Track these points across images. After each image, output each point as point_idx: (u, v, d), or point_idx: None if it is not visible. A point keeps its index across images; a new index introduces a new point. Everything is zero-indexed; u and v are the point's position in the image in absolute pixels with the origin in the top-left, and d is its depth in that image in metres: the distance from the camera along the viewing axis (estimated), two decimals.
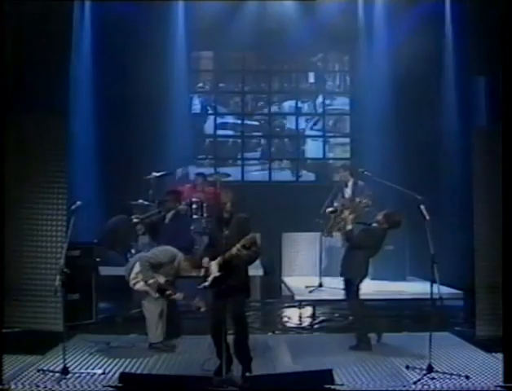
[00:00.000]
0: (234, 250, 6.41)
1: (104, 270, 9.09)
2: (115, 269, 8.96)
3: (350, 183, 9.72)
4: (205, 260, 6.63)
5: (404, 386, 6.35)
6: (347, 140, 12.13)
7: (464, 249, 8.92)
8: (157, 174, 9.89)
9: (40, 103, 8.07)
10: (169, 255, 7.41)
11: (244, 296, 6.78)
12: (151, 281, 7.23)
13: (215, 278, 6.55)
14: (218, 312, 6.55)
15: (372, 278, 9.84)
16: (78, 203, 7.04)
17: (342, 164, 10.46)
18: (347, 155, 12.10)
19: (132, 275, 7.32)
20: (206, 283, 6.61)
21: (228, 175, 11.80)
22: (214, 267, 6.55)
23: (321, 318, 8.93)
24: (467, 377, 6.47)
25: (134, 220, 8.70)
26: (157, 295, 7.28)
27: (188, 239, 8.58)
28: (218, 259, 6.53)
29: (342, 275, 7.88)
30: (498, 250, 7.78)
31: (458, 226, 9.56)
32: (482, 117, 8.42)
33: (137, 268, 7.31)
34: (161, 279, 7.31)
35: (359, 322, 7.78)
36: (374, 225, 7.70)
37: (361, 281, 7.81)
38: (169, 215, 8.45)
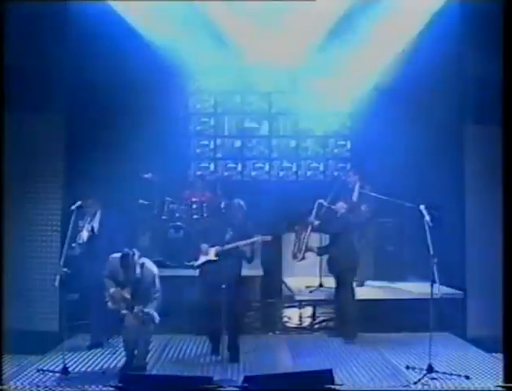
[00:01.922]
0: (241, 243, 7.28)
1: None
2: None
3: (356, 187, 9.80)
4: (204, 245, 7.36)
5: (404, 386, 6.35)
6: (347, 140, 12.11)
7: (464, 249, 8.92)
8: (147, 175, 9.90)
9: (39, 103, 8.07)
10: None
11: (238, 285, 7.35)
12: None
13: (209, 261, 7.30)
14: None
15: (373, 279, 9.95)
16: (78, 202, 7.03)
17: (351, 168, 10.49)
18: (347, 155, 12.08)
19: None
20: (198, 262, 7.38)
21: (227, 176, 11.80)
22: (211, 252, 7.30)
23: (321, 318, 8.93)
24: (467, 377, 6.48)
25: (74, 245, 7.61)
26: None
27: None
28: (217, 247, 7.29)
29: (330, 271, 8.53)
30: (490, 250, 7.85)
31: (458, 225, 9.54)
32: (478, 117, 8.45)
33: None
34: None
35: (350, 319, 7.97)
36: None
37: (354, 276, 8.20)
38: (95, 224, 7.77)
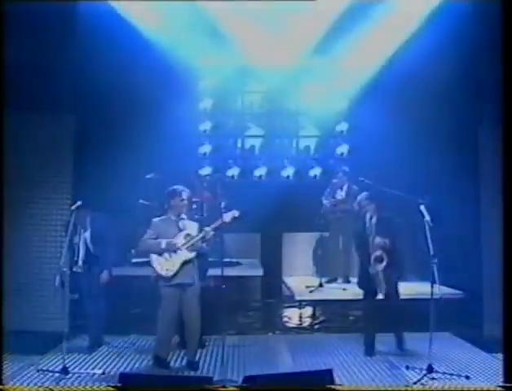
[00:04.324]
0: None
1: None
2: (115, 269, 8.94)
3: (345, 187, 9.84)
4: None
5: (405, 386, 6.35)
6: (347, 140, 12.10)
7: (465, 249, 8.93)
8: (148, 176, 9.91)
9: (45, 103, 8.08)
10: None
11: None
12: None
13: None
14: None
15: None
16: (78, 203, 7.04)
17: (341, 169, 10.51)
18: (347, 155, 12.07)
19: None
20: None
21: (227, 176, 11.79)
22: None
23: (321, 318, 8.93)
24: (467, 377, 6.48)
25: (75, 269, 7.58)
26: None
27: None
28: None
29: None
30: (493, 250, 7.83)
31: (459, 226, 9.55)
32: (487, 118, 8.42)
33: None
34: None
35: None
36: None
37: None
38: (87, 235, 7.68)
